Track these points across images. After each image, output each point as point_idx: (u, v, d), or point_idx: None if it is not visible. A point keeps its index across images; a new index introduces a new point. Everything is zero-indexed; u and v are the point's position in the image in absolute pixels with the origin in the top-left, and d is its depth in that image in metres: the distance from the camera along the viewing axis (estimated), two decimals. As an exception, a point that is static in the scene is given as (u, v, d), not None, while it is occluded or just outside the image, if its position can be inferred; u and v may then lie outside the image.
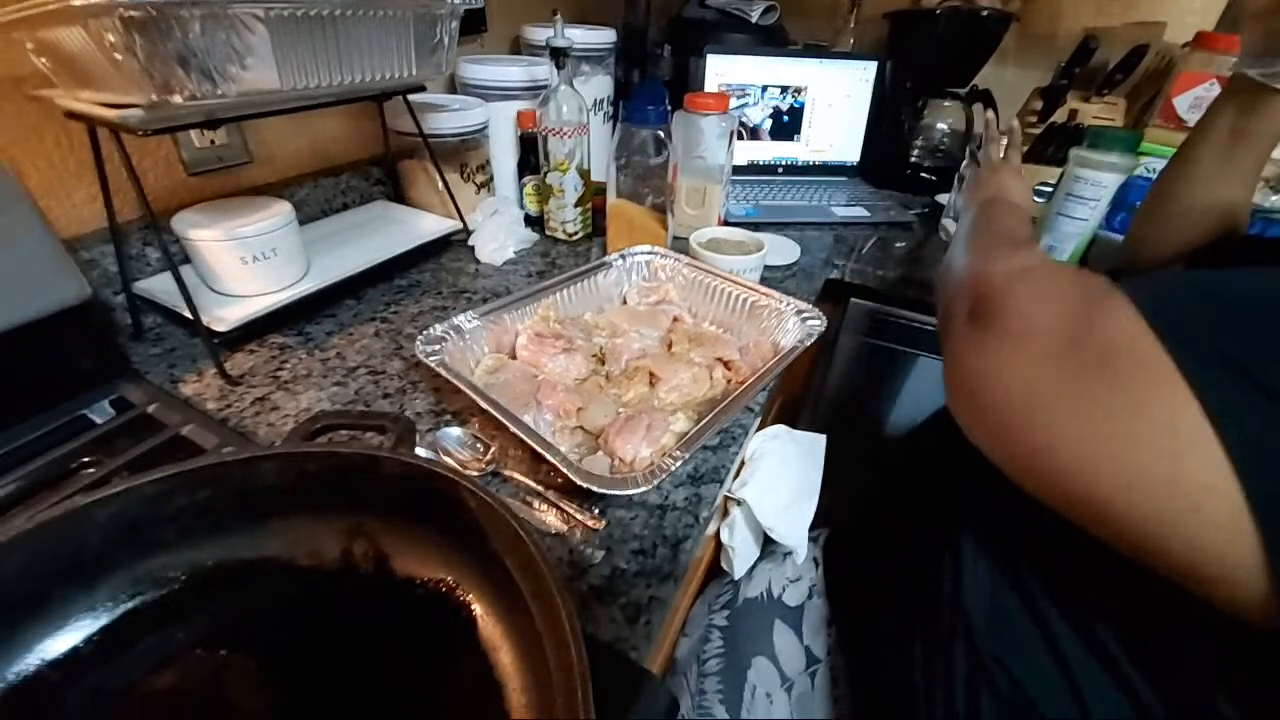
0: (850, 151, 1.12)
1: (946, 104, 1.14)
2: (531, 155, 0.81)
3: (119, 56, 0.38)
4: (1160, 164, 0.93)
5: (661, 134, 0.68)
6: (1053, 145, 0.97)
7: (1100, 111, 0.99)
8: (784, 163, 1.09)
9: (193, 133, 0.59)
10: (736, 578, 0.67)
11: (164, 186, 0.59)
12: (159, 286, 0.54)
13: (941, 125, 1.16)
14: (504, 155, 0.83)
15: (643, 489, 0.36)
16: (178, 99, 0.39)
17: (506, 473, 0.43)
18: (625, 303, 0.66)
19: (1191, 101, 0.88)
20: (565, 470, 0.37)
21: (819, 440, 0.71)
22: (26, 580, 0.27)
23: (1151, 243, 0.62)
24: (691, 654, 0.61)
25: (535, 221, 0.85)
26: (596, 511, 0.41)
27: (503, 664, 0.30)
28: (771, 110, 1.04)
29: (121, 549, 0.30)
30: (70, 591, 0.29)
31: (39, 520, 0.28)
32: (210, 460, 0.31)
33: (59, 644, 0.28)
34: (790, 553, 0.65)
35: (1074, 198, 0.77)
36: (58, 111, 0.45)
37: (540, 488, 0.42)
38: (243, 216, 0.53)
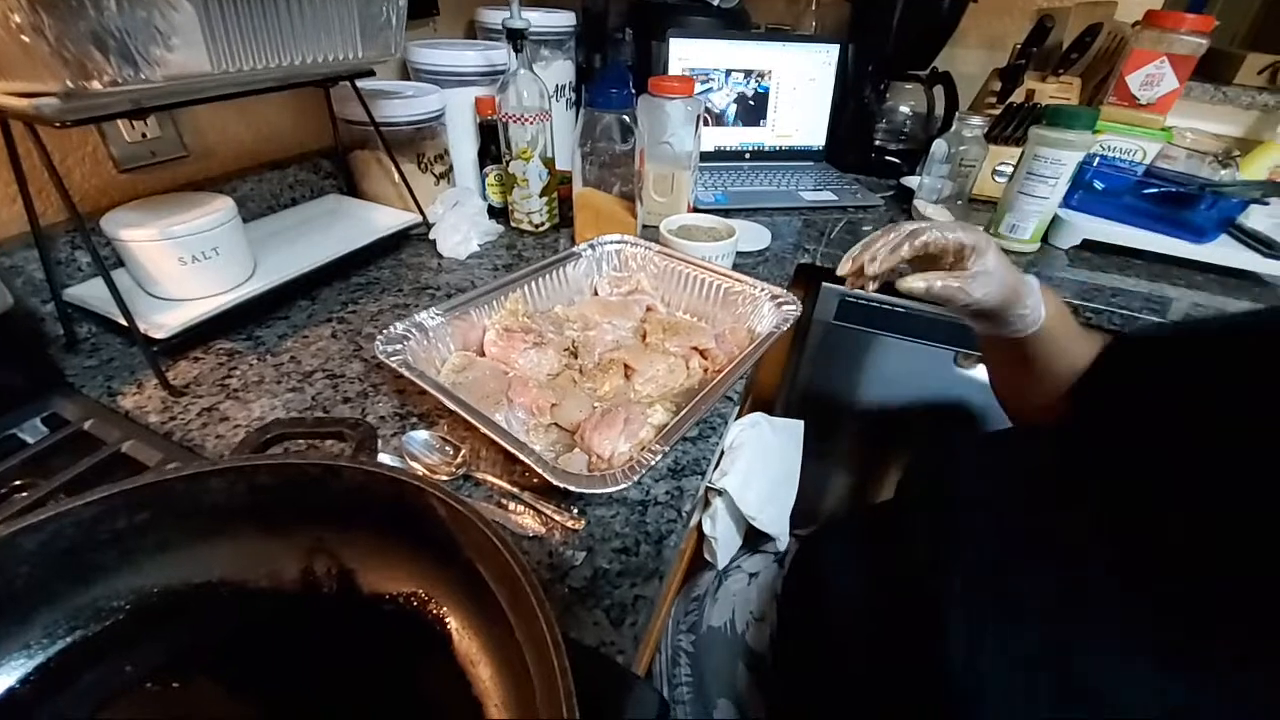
0: (816, 136, 1.12)
1: (908, 86, 1.15)
2: (493, 144, 0.79)
3: (26, 38, 0.34)
4: (1118, 141, 0.96)
5: (627, 119, 0.67)
6: (1012, 125, 0.98)
7: (1057, 91, 1.01)
8: (751, 148, 1.08)
9: (121, 125, 0.54)
10: (720, 568, 0.66)
11: (92, 185, 0.54)
12: (91, 293, 0.50)
13: (904, 108, 1.17)
14: (463, 144, 0.80)
15: (622, 486, 0.35)
16: (96, 85, 0.36)
17: (479, 475, 0.41)
18: (596, 294, 0.64)
19: (1143, 80, 0.90)
20: (540, 471, 0.35)
21: (797, 426, 0.71)
22: None
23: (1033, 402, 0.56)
24: (663, 675, 0.61)
25: (499, 213, 0.82)
26: (575, 511, 0.39)
27: (481, 680, 0.28)
28: (736, 95, 1.03)
29: (55, 579, 0.28)
30: (21, 615, 0.26)
31: None
32: (151, 478, 0.28)
33: (43, 638, 0.26)
34: (756, 573, 0.65)
35: (1035, 176, 0.79)
36: (-40, 102, 0.41)
37: (515, 489, 0.40)
38: (179, 214, 0.49)
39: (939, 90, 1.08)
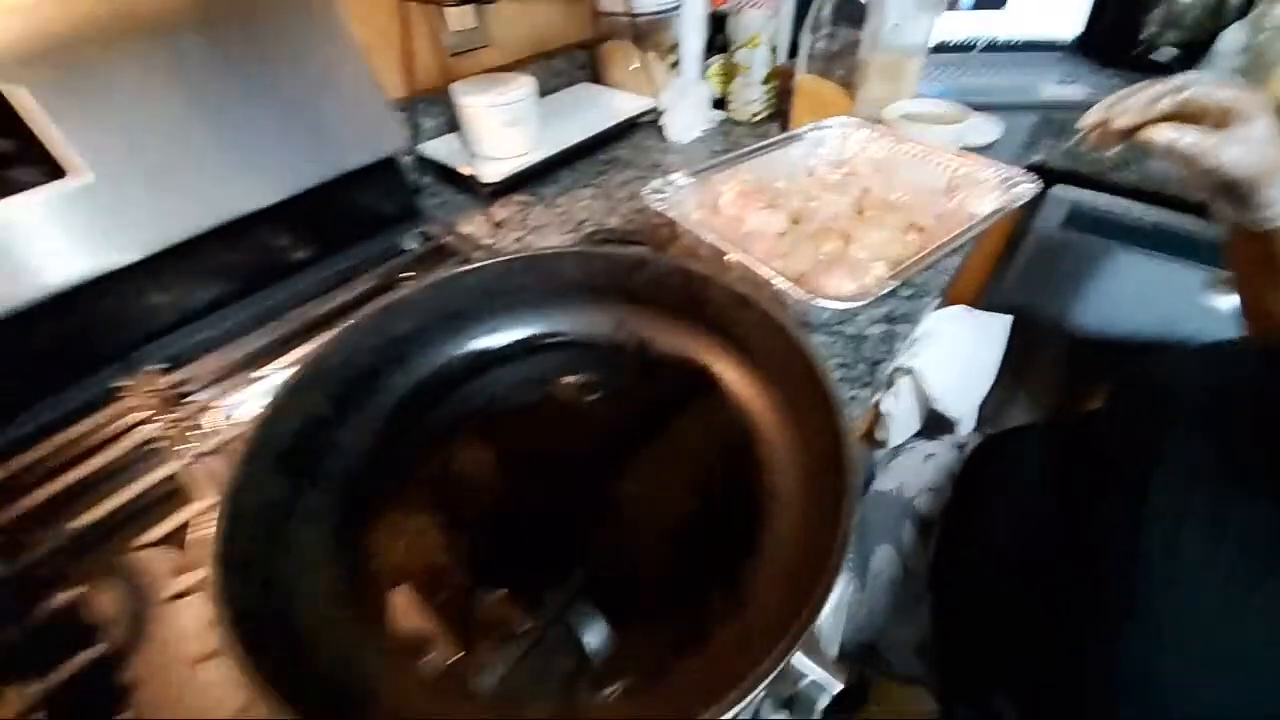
0: (1066, 24, 0.98)
1: (1204, -37, 0.94)
2: (720, 35, 0.84)
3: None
4: None
5: (867, -1, 0.67)
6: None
7: None
8: (983, 40, 0.99)
9: (451, 19, 0.69)
10: (891, 445, 0.71)
11: (432, 66, 0.71)
12: (436, 149, 0.67)
13: (1192, -9, 0.97)
14: (691, 35, 0.86)
15: (866, 301, 0.42)
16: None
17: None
18: (812, 175, 0.69)
19: None
20: (792, 289, 0.44)
21: (1003, 321, 0.71)
22: (431, 316, 0.41)
23: None
24: None
25: (718, 103, 0.88)
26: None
27: (752, 411, 0.38)
28: (977, -25, 0.94)
29: (482, 308, 0.43)
30: (459, 326, 0.42)
31: (426, 284, 0.40)
32: (531, 252, 0.42)
33: (473, 345, 0.43)
34: (933, 454, 0.67)
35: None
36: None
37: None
38: (499, 88, 0.63)
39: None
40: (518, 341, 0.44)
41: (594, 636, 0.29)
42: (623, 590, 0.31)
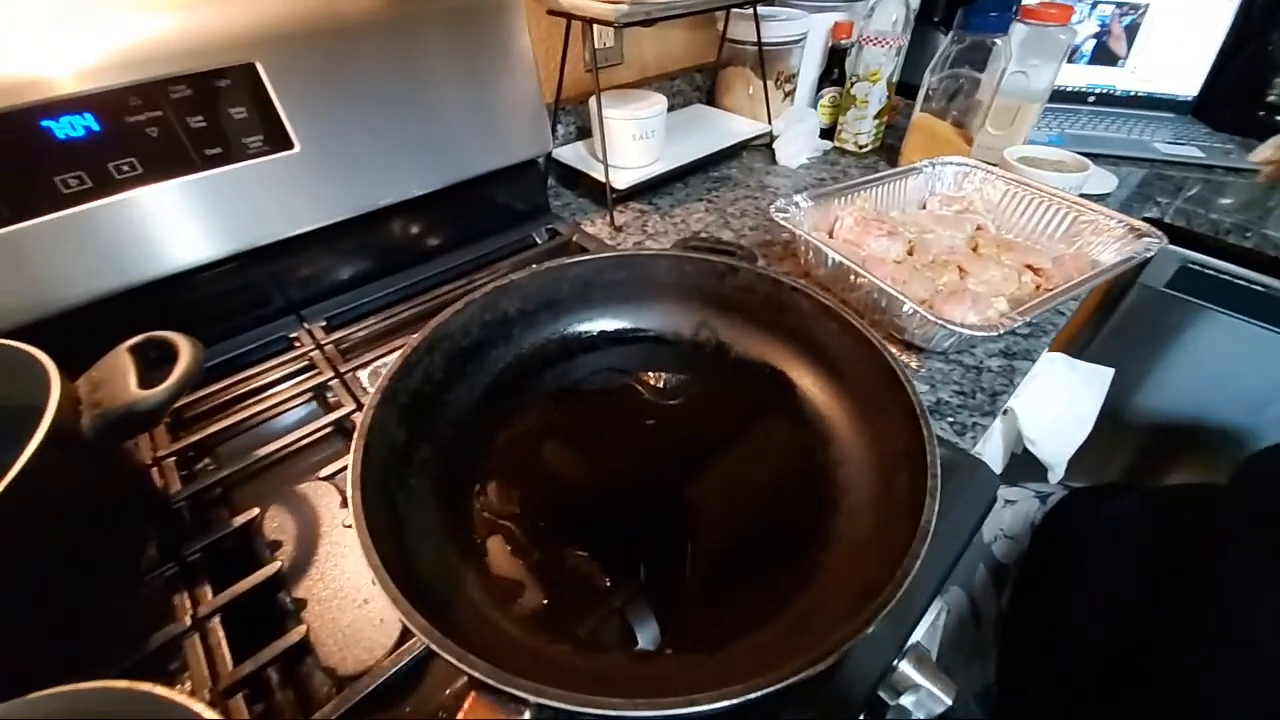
0: (1185, 83, 0.97)
1: (1341, 29, 0.92)
2: (836, 68, 0.87)
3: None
4: None
5: (998, 42, 0.69)
6: None
7: None
8: (1098, 91, 0.99)
9: (596, 36, 0.75)
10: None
11: (574, 79, 0.76)
12: (568, 154, 0.72)
13: (1325, 57, 0.95)
14: (809, 66, 0.89)
15: (997, 331, 0.43)
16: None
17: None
18: (924, 208, 0.70)
19: None
20: (922, 311, 0.46)
21: (1104, 374, 0.71)
22: (536, 299, 0.44)
23: None
24: None
25: (825, 134, 0.91)
26: (915, 359, 0.49)
27: (825, 416, 0.40)
28: (1098, 29, 0.95)
29: (576, 298, 0.47)
30: (557, 312, 0.46)
31: (534, 270, 0.44)
32: (628, 252, 0.46)
33: (568, 331, 0.47)
34: (1014, 500, 0.66)
35: None
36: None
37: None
38: (638, 104, 0.68)
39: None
40: (605, 333, 0.47)
41: (645, 634, 0.31)
42: (689, 570, 0.34)
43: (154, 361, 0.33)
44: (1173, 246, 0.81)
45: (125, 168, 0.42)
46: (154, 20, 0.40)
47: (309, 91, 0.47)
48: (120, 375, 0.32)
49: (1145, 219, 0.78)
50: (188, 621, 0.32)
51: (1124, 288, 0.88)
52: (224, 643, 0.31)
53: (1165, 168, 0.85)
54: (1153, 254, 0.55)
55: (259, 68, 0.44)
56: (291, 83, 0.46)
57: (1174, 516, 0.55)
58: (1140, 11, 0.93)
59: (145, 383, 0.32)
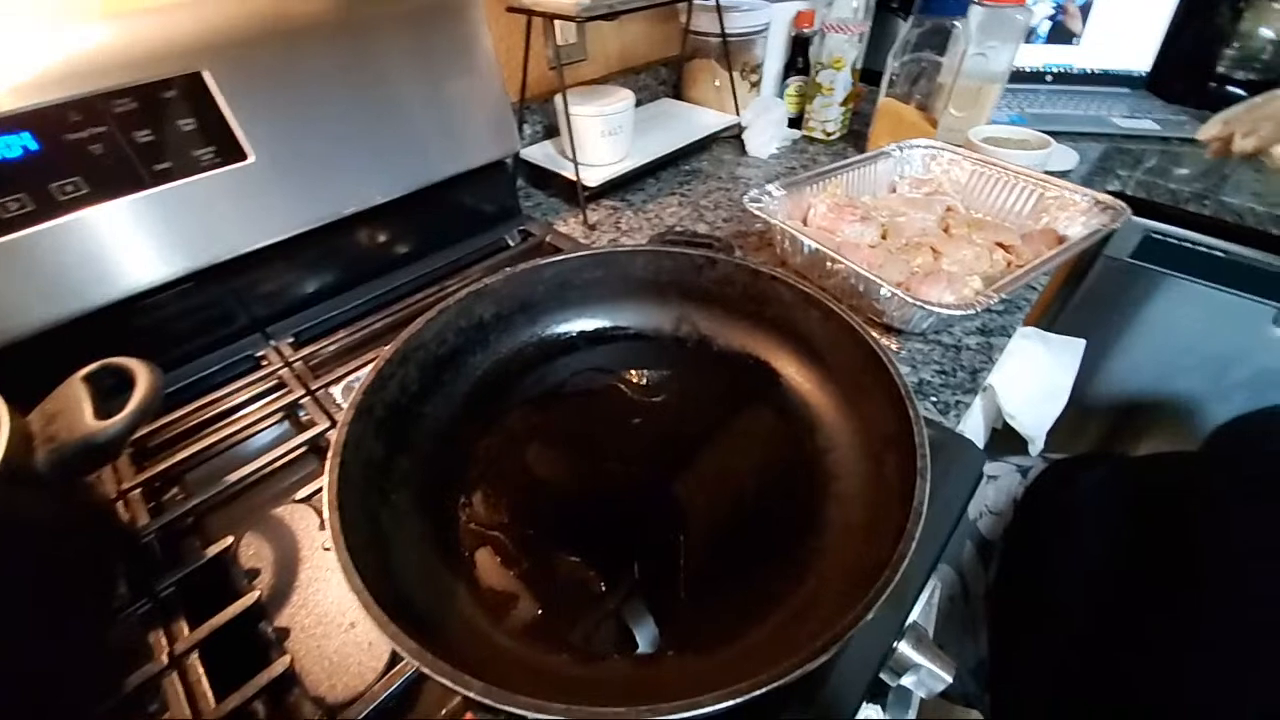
0: (1138, 58, 1.00)
1: (1278, 4, 0.95)
2: (800, 57, 0.87)
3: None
4: None
5: (957, 25, 0.70)
6: None
7: None
8: (1056, 70, 1.01)
9: (558, 32, 0.74)
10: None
11: (537, 77, 0.75)
12: (535, 153, 0.71)
13: (1266, 30, 0.98)
14: (773, 57, 0.89)
15: (973, 310, 0.44)
16: (613, -9, 0.52)
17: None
18: (894, 191, 0.71)
19: None
20: (900, 294, 0.46)
21: (1076, 345, 0.72)
22: (511, 302, 0.43)
23: None
24: None
25: (793, 123, 0.91)
26: (894, 341, 0.50)
27: (811, 405, 0.40)
28: (1053, 10, 0.97)
29: (552, 299, 0.46)
30: (534, 314, 0.45)
31: (508, 273, 0.43)
32: (603, 250, 0.45)
33: (546, 333, 0.46)
34: (996, 476, 0.67)
35: None
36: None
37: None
38: (603, 99, 0.67)
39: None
40: (584, 333, 0.47)
41: (643, 635, 0.30)
42: (684, 567, 0.33)
43: (111, 390, 0.32)
44: (1135, 218, 0.83)
45: (69, 188, 0.39)
46: (93, 31, 0.38)
47: (262, 99, 0.45)
48: (75, 406, 0.30)
49: (1108, 192, 0.80)
50: (164, 660, 0.30)
51: (1090, 260, 0.90)
52: (204, 679, 0.30)
53: (1124, 142, 0.87)
54: (1119, 225, 0.56)
55: (206, 77, 0.42)
56: (242, 91, 0.44)
57: (1148, 482, 0.57)
58: (1092, -11, 0.95)
59: (102, 413, 0.30)
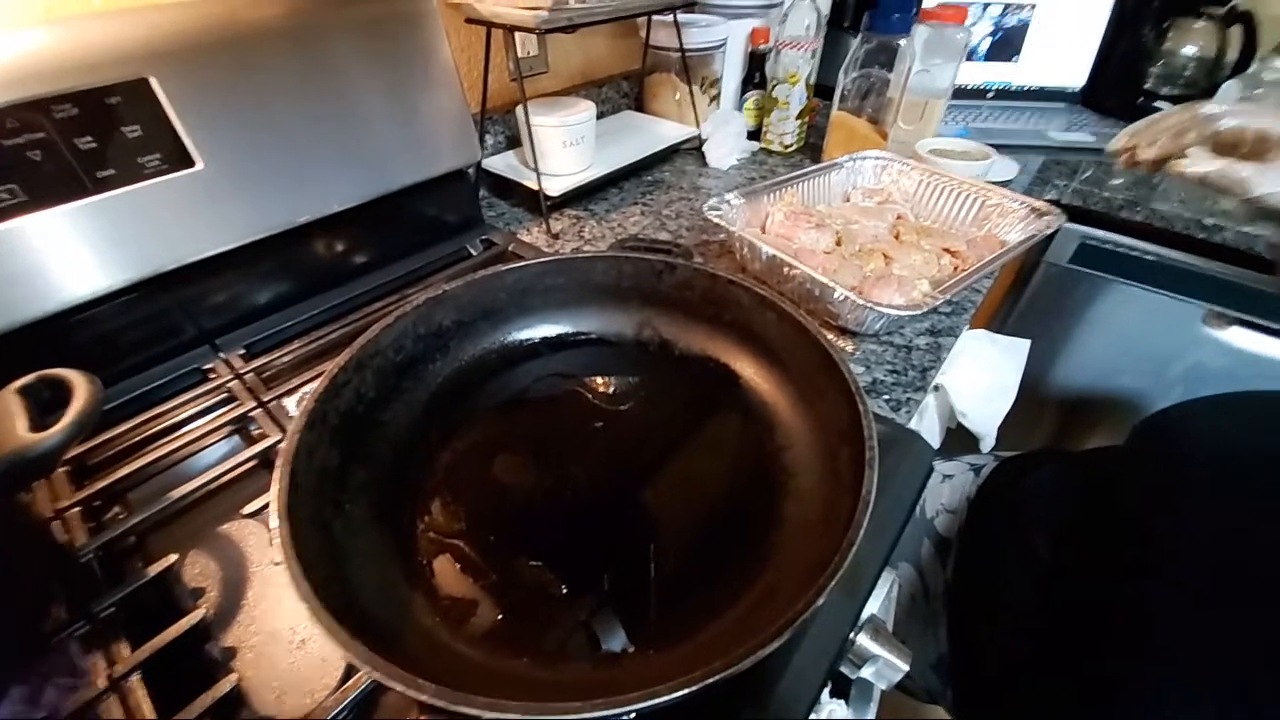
0: (1072, 76, 1.06)
1: (1197, 25, 1.03)
2: (757, 72, 0.90)
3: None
4: None
5: (902, 43, 0.73)
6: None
7: None
8: (996, 86, 1.07)
9: (518, 44, 0.74)
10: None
11: (498, 89, 0.76)
12: (498, 163, 0.71)
13: (1188, 50, 1.05)
14: (731, 71, 0.92)
15: (921, 310, 0.45)
16: (572, 4, 0.53)
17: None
18: (848, 200, 0.73)
19: None
20: (853, 297, 0.47)
21: (1021, 345, 0.75)
22: (472, 309, 0.44)
23: None
24: None
25: (753, 135, 0.94)
26: (849, 342, 0.51)
27: (769, 402, 0.41)
28: (991, 29, 1.02)
29: (513, 306, 0.46)
30: (495, 321, 0.45)
31: (469, 279, 0.43)
32: (564, 256, 0.46)
33: (507, 339, 0.46)
34: (951, 475, 0.70)
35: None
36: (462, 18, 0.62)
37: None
38: (564, 111, 0.68)
39: (1234, 32, 0.96)
40: (546, 339, 0.47)
41: (607, 638, 0.30)
42: (650, 568, 0.34)
43: (48, 403, 0.30)
44: (1072, 225, 0.88)
45: (4, 195, 0.38)
46: (33, 35, 0.37)
47: (211, 105, 0.44)
48: (6, 419, 0.29)
49: (1046, 200, 0.84)
50: (103, 683, 0.29)
51: (1032, 266, 0.95)
52: (146, 702, 0.29)
53: (1060, 154, 0.92)
54: (1054, 230, 0.59)
55: (153, 82, 0.41)
56: (190, 97, 0.43)
57: (1089, 477, 0.59)
58: (1028, 9, 1.00)
59: (37, 426, 0.29)
